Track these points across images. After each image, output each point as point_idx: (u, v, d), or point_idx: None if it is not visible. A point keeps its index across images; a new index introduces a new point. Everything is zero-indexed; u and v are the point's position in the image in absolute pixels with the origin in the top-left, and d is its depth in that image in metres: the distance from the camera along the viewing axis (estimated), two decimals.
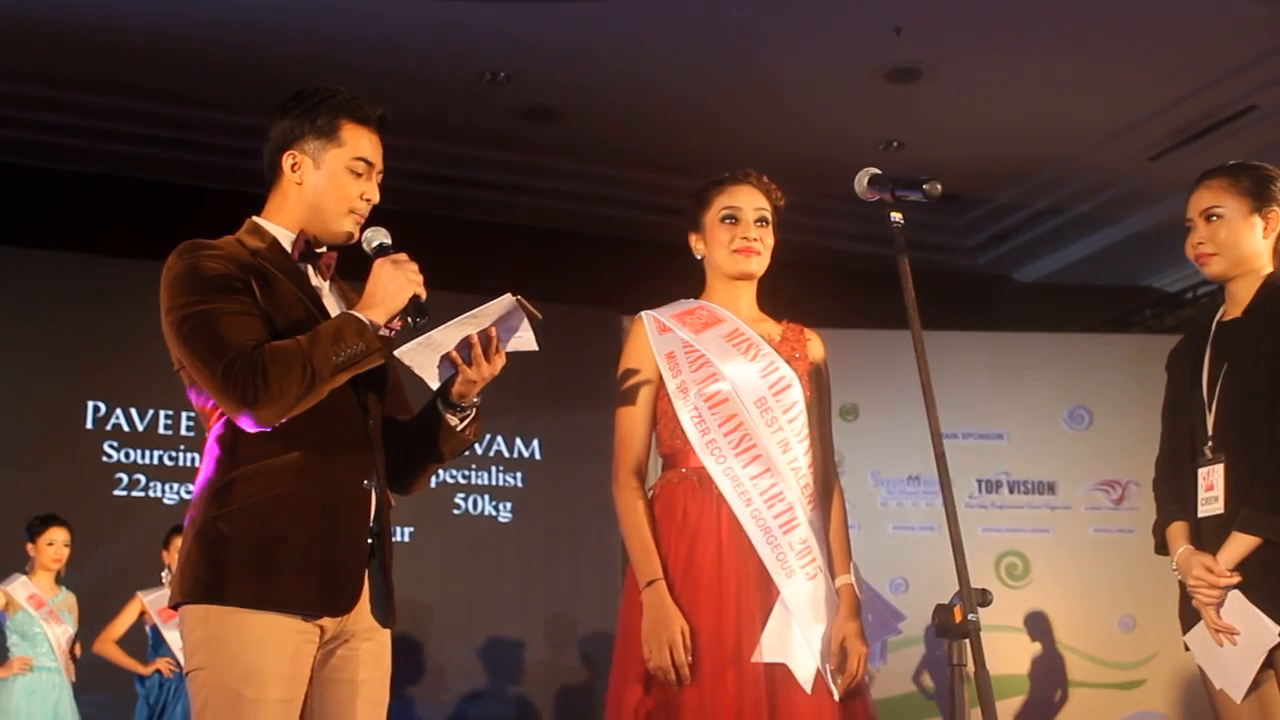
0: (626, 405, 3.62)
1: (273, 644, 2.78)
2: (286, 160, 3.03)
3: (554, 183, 9.69)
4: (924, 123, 8.82)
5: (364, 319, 2.85)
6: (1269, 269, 3.58)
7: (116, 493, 8.80)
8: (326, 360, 2.79)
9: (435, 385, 3.00)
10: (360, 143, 3.04)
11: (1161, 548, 3.64)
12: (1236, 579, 3.37)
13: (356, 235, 3.06)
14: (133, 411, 8.92)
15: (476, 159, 9.31)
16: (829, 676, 3.34)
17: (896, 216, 3.02)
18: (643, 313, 3.68)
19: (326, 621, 2.87)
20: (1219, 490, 3.46)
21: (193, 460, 8.88)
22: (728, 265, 3.61)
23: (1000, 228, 10.55)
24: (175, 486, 8.86)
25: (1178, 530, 3.56)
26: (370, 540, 2.94)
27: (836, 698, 3.34)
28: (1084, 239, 10.51)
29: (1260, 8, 7.46)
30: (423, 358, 2.92)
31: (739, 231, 3.59)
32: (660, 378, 3.58)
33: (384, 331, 2.89)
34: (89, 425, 8.85)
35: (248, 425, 2.81)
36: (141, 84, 8.35)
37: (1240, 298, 3.59)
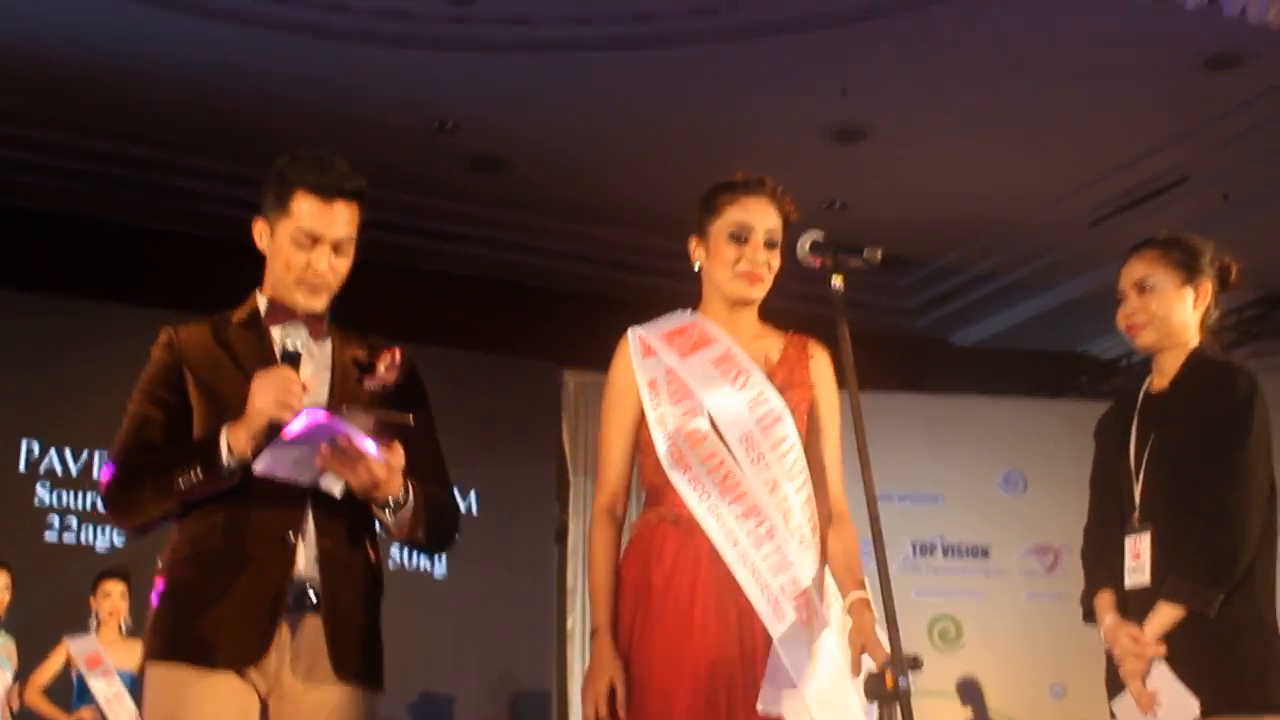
0: (607, 433, 3.34)
1: (192, 695, 2.83)
2: (255, 228, 3.10)
3: (499, 233, 9.69)
4: (867, 183, 8.91)
5: (224, 441, 2.86)
6: (1196, 341, 3.64)
7: (47, 536, 8.68)
8: (171, 487, 2.89)
9: (335, 492, 2.94)
10: (309, 213, 3.03)
11: (1089, 616, 3.66)
12: (1162, 649, 3.39)
13: (319, 307, 3.08)
14: (67, 452, 8.80)
15: (422, 207, 9.29)
16: None
17: (837, 282, 2.98)
18: (630, 330, 3.38)
19: (254, 676, 2.88)
20: (1145, 560, 3.49)
21: None
22: (728, 288, 3.32)
23: (940, 290, 10.64)
24: (108, 531, 8.74)
25: (1105, 599, 3.58)
26: (310, 591, 2.93)
27: None
28: (1022, 304, 10.61)
29: (1197, 80, 7.60)
30: (286, 469, 2.87)
31: (746, 253, 3.28)
32: (643, 405, 3.30)
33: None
34: (21, 467, 8.73)
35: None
36: (88, 121, 8.31)
37: (1167, 369, 3.64)
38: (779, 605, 3.08)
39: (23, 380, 8.62)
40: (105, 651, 7.14)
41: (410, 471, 2.98)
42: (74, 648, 7.35)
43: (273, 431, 2.83)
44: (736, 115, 8.06)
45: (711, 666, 3.07)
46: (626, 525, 3.36)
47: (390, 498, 2.95)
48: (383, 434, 2.88)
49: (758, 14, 7.25)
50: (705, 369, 3.26)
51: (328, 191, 3.04)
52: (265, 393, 2.84)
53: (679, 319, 3.39)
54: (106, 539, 8.72)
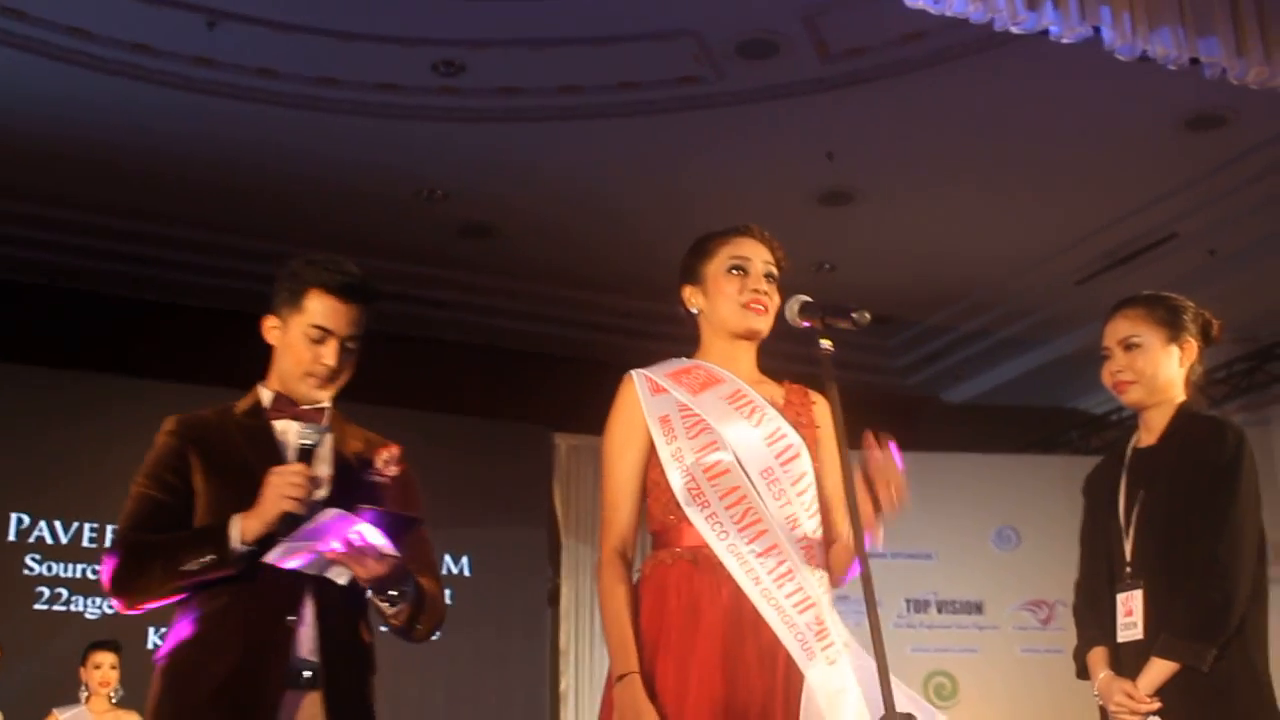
0: (613, 477, 3.19)
1: None
2: (266, 324, 3.21)
3: (489, 299, 9.73)
4: (855, 246, 8.96)
5: (235, 529, 2.97)
6: (1182, 397, 3.67)
7: (37, 606, 8.64)
8: (179, 571, 2.99)
9: (340, 580, 3.03)
10: (321, 310, 3.15)
11: (1083, 673, 3.67)
12: (1156, 705, 3.40)
13: (322, 395, 3.20)
14: (57, 524, 8.78)
15: (412, 275, 9.33)
16: None
17: (826, 344, 2.99)
18: (632, 371, 3.28)
19: None
20: (1138, 616, 3.50)
21: None
22: (734, 320, 3.26)
23: (929, 349, 10.68)
24: (98, 601, 8.69)
25: (1098, 656, 3.59)
26: (309, 671, 3.01)
27: None
28: (1011, 361, 10.65)
29: (1181, 139, 7.67)
30: (298, 561, 2.97)
31: (748, 284, 3.25)
32: (652, 445, 3.18)
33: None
34: (11, 537, 8.71)
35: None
36: (76, 195, 8.35)
37: (1155, 425, 3.67)
38: (807, 642, 3.01)
39: (11, 453, 8.60)
40: None
41: (405, 562, 3.10)
42: (64, 718, 7.32)
43: (285, 523, 2.94)
44: (724, 180, 8.11)
45: (732, 705, 2.95)
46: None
47: (393, 590, 3.06)
48: (393, 528, 2.98)
49: (743, 81, 7.33)
50: (718, 404, 3.19)
51: (342, 292, 3.17)
52: (280, 486, 2.97)
53: (680, 362, 3.31)
54: (96, 608, 8.68)
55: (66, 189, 8.28)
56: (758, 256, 3.31)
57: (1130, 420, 9.97)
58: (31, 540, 8.75)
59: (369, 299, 3.22)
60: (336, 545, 2.93)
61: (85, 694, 7.21)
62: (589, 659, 9.31)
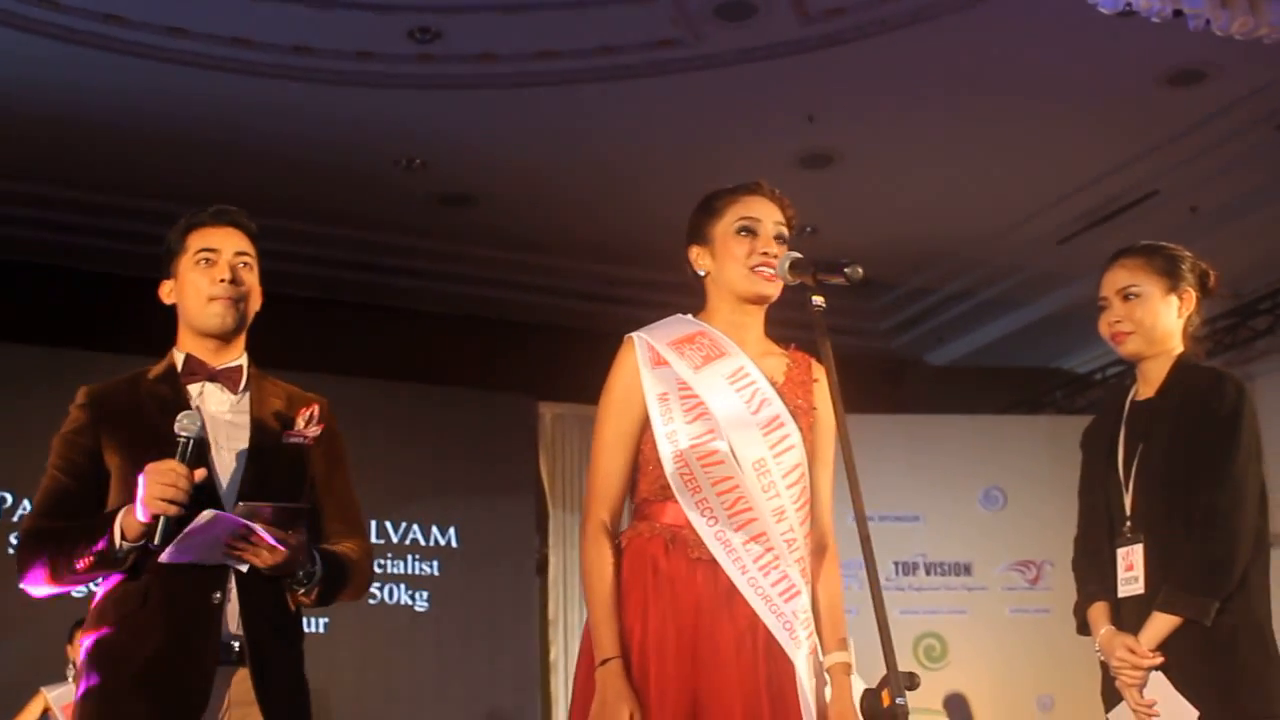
0: (606, 446, 3.11)
1: None
2: (162, 290, 3.23)
3: (471, 268, 9.68)
4: (837, 208, 8.91)
5: (118, 527, 2.92)
6: (1180, 349, 3.64)
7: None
8: (72, 565, 2.98)
9: (242, 568, 3.01)
10: (202, 238, 3.20)
11: (1083, 628, 3.66)
12: (1159, 660, 3.40)
13: (230, 320, 3.17)
14: None
15: (392, 245, 9.28)
16: None
17: (818, 300, 2.91)
18: (634, 335, 3.17)
19: None
20: (1139, 570, 3.49)
21: None
22: (742, 284, 3.16)
23: (913, 311, 10.67)
24: None
25: (1099, 611, 3.58)
26: (236, 646, 2.98)
27: None
28: (995, 322, 10.65)
29: (1161, 95, 7.65)
30: (192, 557, 2.93)
31: (758, 245, 3.15)
32: (647, 418, 3.09)
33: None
34: None
35: None
36: (53, 169, 8.28)
37: (1153, 377, 3.65)
38: (794, 630, 2.97)
39: None
40: None
41: (329, 520, 3.19)
42: (52, 697, 7.29)
43: (166, 521, 2.87)
44: (704, 145, 8.06)
45: (706, 688, 2.92)
46: None
47: (294, 575, 3.04)
48: (280, 520, 2.96)
49: (722, 44, 7.27)
50: (721, 386, 3.09)
51: (212, 218, 3.24)
52: (151, 487, 2.88)
53: (685, 326, 3.20)
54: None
55: (37, 164, 8.20)
56: (768, 217, 3.22)
57: (1115, 379, 10.03)
58: (15, 519, 8.70)
59: (241, 222, 3.26)
60: (225, 544, 2.92)
61: (73, 672, 7.20)
62: (578, 628, 9.29)
